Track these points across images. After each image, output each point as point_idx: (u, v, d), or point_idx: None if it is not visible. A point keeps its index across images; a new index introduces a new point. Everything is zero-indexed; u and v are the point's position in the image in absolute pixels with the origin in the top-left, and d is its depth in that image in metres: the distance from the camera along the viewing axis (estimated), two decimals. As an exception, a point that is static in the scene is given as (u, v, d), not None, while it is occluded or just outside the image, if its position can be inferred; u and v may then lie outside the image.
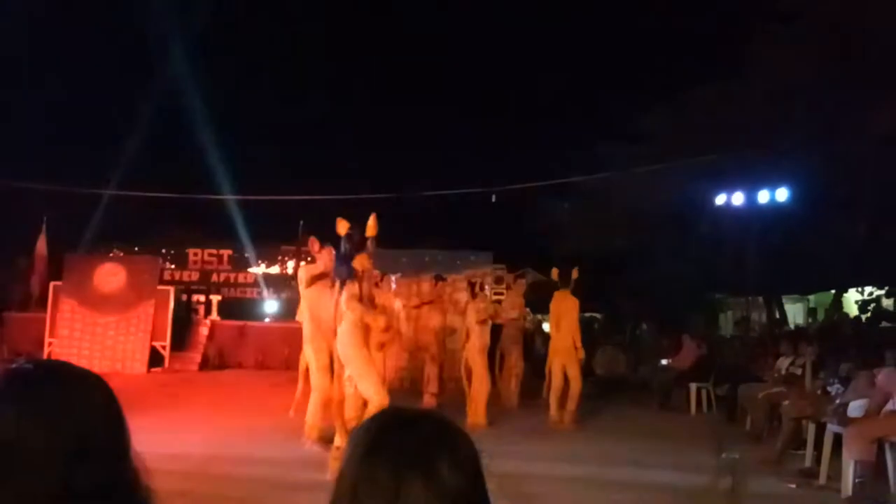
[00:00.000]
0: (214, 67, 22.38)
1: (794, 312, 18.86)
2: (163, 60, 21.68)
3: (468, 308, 9.32)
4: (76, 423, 0.99)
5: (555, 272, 9.38)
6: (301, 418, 7.37)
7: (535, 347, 14.55)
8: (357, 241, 6.18)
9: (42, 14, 17.89)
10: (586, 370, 10.40)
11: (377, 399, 5.77)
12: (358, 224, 6.31)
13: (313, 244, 7.48)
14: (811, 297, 20.11)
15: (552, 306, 9.28)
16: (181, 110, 21.36)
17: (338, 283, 6.25)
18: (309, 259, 7.55)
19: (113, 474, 1.00)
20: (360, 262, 6.09)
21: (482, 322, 9.03)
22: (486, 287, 10.24)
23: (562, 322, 9.09)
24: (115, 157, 17.64)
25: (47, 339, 13.66)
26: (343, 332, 6.03)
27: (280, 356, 14.37)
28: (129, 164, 17.76)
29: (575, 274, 9.20)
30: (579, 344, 9.15)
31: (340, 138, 24.91)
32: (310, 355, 7.31)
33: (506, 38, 26.53)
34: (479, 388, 8.83)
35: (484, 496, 0.98)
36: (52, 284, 14.25)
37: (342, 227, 6.20)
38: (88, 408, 1.02)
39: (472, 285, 9.65)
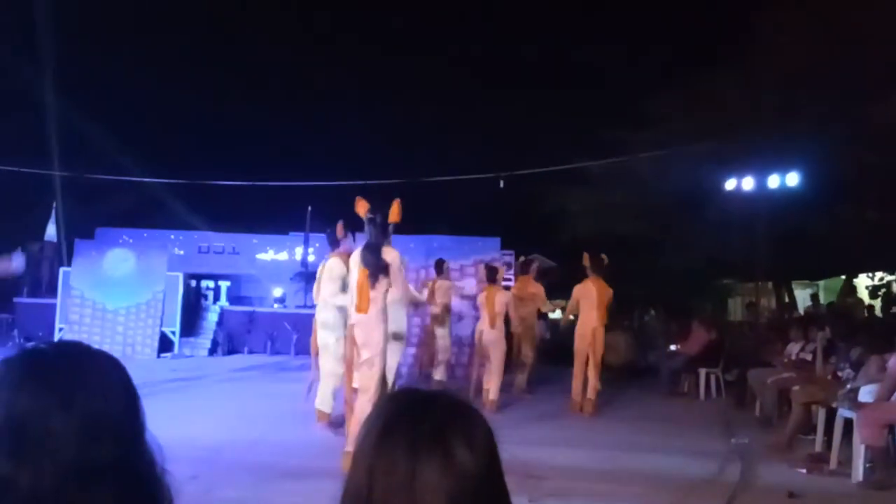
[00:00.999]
0: (225, 55, 22.38)
1: (804, 297, 18.79)
2: (169, 47, 21.68)
3: (491, 294, 9.01)
4: (92, 402, 1.00)
5: (586, 257, 9.11)
6: (312, 404, 7.40)
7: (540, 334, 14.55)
8: (381, 226, 6.02)
9: None
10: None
11: (373, 391, 5.76)
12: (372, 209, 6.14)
13: (340, 229, 7.45)
14: (821, 283, 20.02)
15: (591, 293, 8.95)
16: (190, 95, 21.40)
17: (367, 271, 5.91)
18: (342, 236, 7.43)
19: (128, 454, 1.00)
20: (390, 252, 5.96)
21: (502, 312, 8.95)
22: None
23: (598, 309, 8.90)
24: (124, 142, 17.69)
25: (57, 325, 13.76)
26: (369, 319, 5.88)
27: (288, 342, 14.44)
28: (138, 149, 17.82)
29: (606, 261, 9.05)
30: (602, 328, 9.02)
31: (349, 124, 24.86)
32: (328, 342, 7.27)
33: (512, 22, 26.39)
34: (498, 375, 8.81)
35: (499, 476, 0.97)
36: (61, 270, 14.33)
37: (362, 207, 5.96)
38: (104, 387, 1.03)
39: (491, 270, 9.31)
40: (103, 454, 0.97)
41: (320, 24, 26.73)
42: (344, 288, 6.85)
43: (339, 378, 6.85)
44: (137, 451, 1.02)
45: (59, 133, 18.00)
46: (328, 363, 7.23)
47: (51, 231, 16.08)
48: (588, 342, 8.90)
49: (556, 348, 12.50)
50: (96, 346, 1.11)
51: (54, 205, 16.18)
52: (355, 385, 6.07)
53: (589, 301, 8.99)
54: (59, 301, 13.93)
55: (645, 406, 9.74)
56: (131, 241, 16.15)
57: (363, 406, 5.69)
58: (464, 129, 23.84)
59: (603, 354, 9.18)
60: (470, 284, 11.71)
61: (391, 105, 23.57)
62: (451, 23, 25.80)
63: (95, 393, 1.01)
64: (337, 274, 7.15)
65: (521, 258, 11.49)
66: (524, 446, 6.05)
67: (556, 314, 16.33)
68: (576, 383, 8.95)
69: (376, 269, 5.86)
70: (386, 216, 6.03)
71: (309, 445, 6.35)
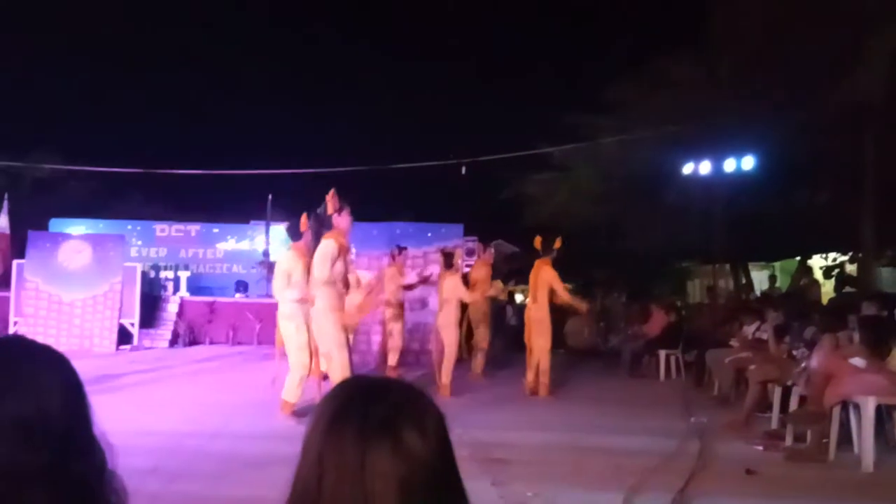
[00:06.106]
0: (186, 42, 21.96)
1: (760, 279, 19.17)
2: (129, 33, 21.21)
3: (443, 280, 9.17)
4: (24, 402, 0.95)
5: (537, 240, 9.10)
6: (275, 394, 7.35)
7: (505, 319, 14.63)
8: (323, 219, 6.21)
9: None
10: (557, 340, 10.44)
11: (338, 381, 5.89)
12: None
13: (304, 222, 7.45)
14: (776, 264, 20.45)
15: (533, 276, 9.02)
16: (149, 83, 20.98)
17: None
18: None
19: (66, 456, 0.96)
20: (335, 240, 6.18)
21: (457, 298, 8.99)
22: (460, 260, 10.11)
23: (538, 292, 8.93)
24: (79, 131, 17.30)
25: (12, 319, 13.44)
26: (319, 310, 6.03)
27: (251, 332, 14.31)
28: (94, 138, 17.44)
29: (558, 243, 8.98)
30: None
31: (309, 111, 24.61)
32: (289, 332, 7.22)
33: (474, 10, 26.34)
34: (450, 360, 8.84)
35: (452, 462, 0.97)
36: (15, 262, 13.99)
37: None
38: (39, 387, 0.98)
39: (447, 256, 9.41)
40: (36, 456, 0.92)
41: (283, 11, 26.38)
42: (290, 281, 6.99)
43: (306, 368, 6.85)
44: (76, 454, 0.97)
45: (11, 121, 17.54)
46: (291, 354, 7.19)
47: (2, 222, 15.64)
48: (527, 324, 9.04)
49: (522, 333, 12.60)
50: (52, 340, 1.07)
51: (6, 195, 15.74)
52: (323, 370, 6.21)
53: (531, 283, 9.11)
54: (13, 293, 13.60)
55: (607, 387, 9.86)
56: (87, 231, 15.80)
57: None
58: (425, 116, 23.79)
59: (562, 336, 9.27)
60: (436, 271, 11.72)
61: (353, 93, 23.42)
62: (414, 11, 25.66)
63: (28, 392, 0.95)
64: (283, 268, 7.11)
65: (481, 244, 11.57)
66: (487, 430, 6.10)
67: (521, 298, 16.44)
68: (528, 365, 9.03)
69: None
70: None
71: (271, 434, 6.29)
